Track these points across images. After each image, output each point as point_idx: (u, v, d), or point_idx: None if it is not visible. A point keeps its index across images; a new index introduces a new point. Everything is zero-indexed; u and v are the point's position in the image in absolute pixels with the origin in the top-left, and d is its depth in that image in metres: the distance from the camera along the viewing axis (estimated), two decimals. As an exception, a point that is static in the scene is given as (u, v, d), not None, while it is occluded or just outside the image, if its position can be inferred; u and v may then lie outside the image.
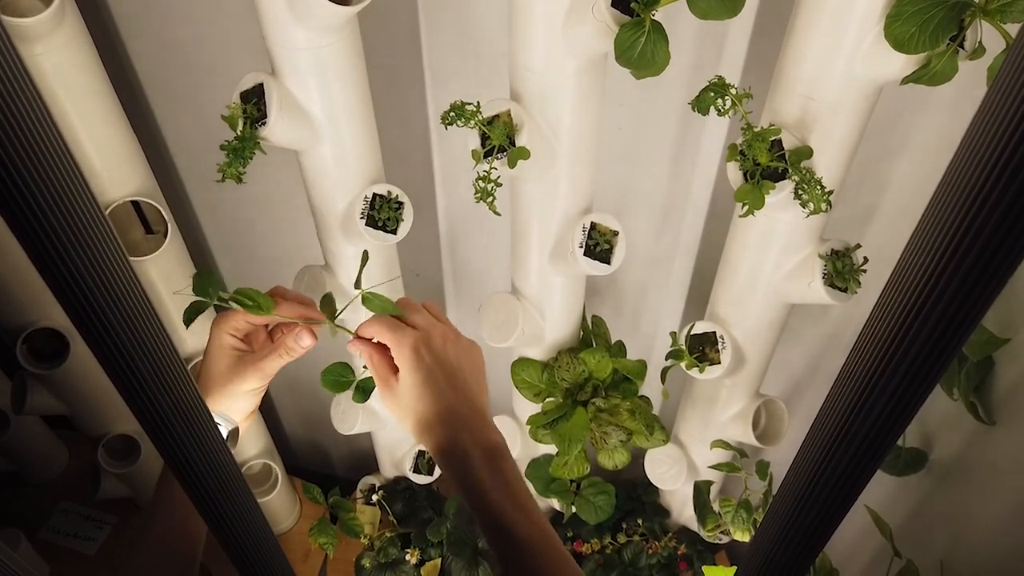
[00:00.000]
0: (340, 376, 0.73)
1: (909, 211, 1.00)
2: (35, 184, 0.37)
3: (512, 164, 0.81)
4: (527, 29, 0.77)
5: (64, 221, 0.40)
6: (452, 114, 0.78)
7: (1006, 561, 0.85)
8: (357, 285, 0.65)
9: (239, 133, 0.81)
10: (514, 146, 0.81)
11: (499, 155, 0.81)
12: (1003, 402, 0.88)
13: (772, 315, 1.01)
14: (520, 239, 1.01)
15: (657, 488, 1.45)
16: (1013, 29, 0.63)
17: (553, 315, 1.08)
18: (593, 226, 0.92)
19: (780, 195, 0.80)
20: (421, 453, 1.44)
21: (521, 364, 1.13)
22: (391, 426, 1.39)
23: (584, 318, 1.14)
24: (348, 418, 1.33)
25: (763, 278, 0.96)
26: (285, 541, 1.58)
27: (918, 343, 0.41)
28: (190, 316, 0.64)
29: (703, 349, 1.04)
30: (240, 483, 0.68)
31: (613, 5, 0.70)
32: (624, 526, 1.47)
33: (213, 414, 0.60)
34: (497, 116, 0.82)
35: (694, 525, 1.44)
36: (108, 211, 1.05)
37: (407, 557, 1.45)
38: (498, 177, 0.79)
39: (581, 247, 0.91)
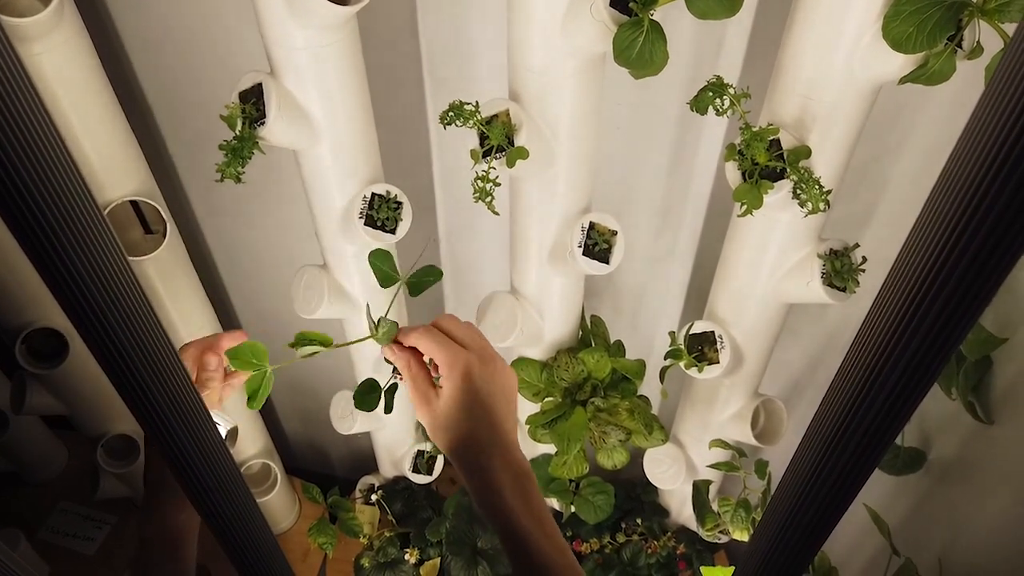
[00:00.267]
0: (372, 392, 0.70)
1: (908, 211, 1.00)
2: (34, 184, 0.37)
3: (511, 164, 0.81)
4: (525, 29, 0.77)
5: (63, 221, 0.40)
6: (451, 114, 0.78)
7: (1005, 560, 0.85)
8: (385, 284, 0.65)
9: (238, 133, 0.81)
10: (513, 146, 0.81)
11: (498, 155, 0.81)
12: (1001, 401, 0.88)
13: (771, 315, 1.01)
14: (519, 239, 1.01)
15: (656, 487, 1.45)
16: (1011, 29, 0.63)
17: (552, 315, 1.08)
18: (592, 226, 0.92)
19: (778, 195, 0.80)
20: (420, 453, 1.44)
21: (520, 364, 1.13)
22: (390, 426, 1.39)
23: (583, 318, 1.14)
24: (347, 418, 1.33)
25: (762, 278, 0.96)
26: (284, 541, 1.59)
27: (915, 342, 0.41)
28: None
29: (702, 349, 1.04)
30: (239, 482, 0.68)
31: (611, 5, 0.70)
32: (623, 526, 1.48)
33: (212, 414, 0.60)
34: (496, 116, 0.82)
35: (693, 524, 1.44)
36: (107, 211, 1.05)
37: (406, 557, 1.45)
38: (497, 177, 0.79)
39: (580, 247, 0.91)
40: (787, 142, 0.80)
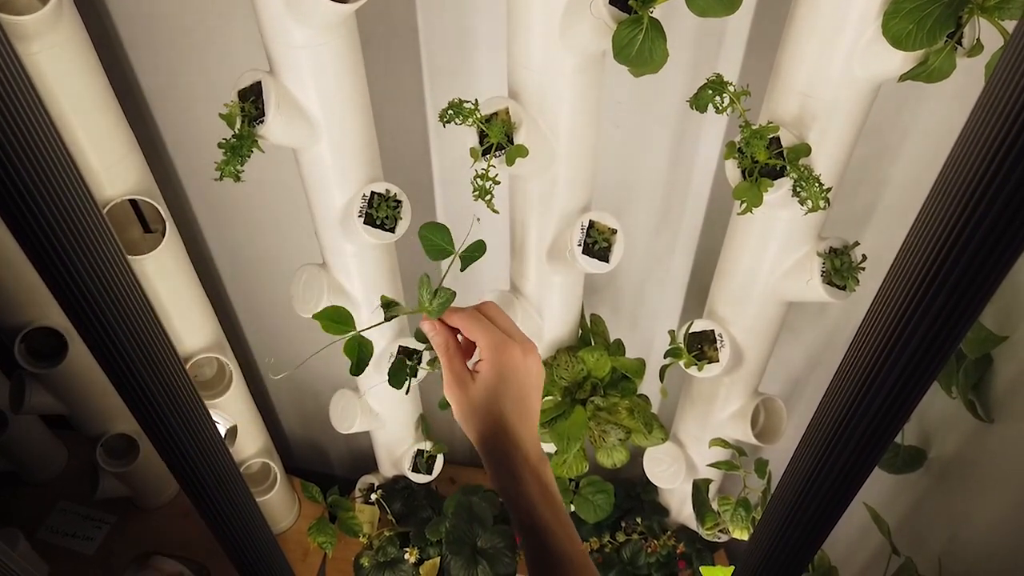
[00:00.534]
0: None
1: (908, 209, 0.99)
2: (33, 183, 0.37)
3: (510, 162, 0.81)
4: (525, 27, 0.77)
5: (62, 220, 0.40)
6: (450, 112, 0.78)
7: (1005, 558, 0.85)
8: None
9: (237, 131, 0.81)
10: (512, 144, 0.81)
11: (497, 153, 0.81)
12: (1001, 400, 0.88)
13: (771, 313, 1.01)
14: (518, 237, 1.01)
15: (656, 487, 1.45)
16: (1011, 27, 0.63)
17: (552, 314, 1.08)
18: (591, 224, 0.92)
19: (778, 193, 0.80)
20: (420, 452, 1.44)
21: (520, 362, 1.13)
22: (390, 425, 1.39)
23: (583, 316, 1.14)
24: (347, 417, 1.33)
25: (761, 276, 0.96)
26: (284, 540, 1.58)
27: (915, 340, 0.41)
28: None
29: (702, 347, 1.04)
30: (239, 481, 0.68)
31: (611, 2, 0.70)
32: (623, 525, 1.47)
33: (212, 413, 0.60)
34: (495, 114, 0.82)
35: (693, 524, 1.44)
36: (106, 210, 1.05)
37: (406, 556, 1.45)
38: (496, 175, 0.79)
39: (580, 245, 0.91)
40: (787, 140, 0.80)
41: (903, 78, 0.70)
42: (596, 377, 1.09)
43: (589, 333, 1.14)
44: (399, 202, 0.96)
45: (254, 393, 1.43)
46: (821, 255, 0.90)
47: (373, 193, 0.95)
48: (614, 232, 0.92)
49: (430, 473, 1.44)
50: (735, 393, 1.14)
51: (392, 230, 0.96)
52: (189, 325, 1.24)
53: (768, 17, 0.91)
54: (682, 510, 1.46)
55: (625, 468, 1.16)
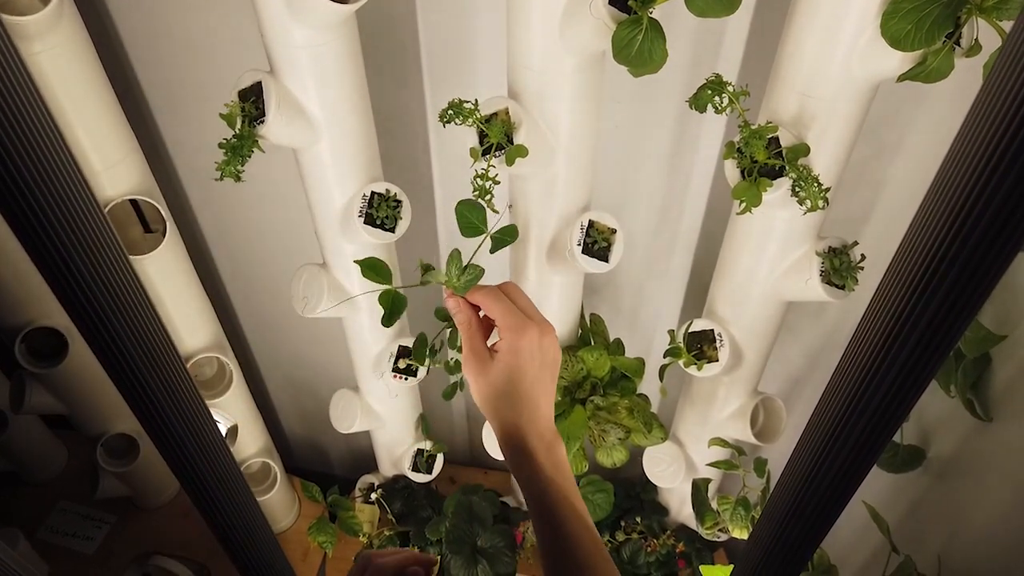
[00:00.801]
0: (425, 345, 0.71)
1: (907, 209, 0.99)
2: (35, 183, 0.37)
3: (510, 162, 0.81)
4: (525, 27, 0.77)
5: (64, 219, 0.40)
6: (450, 112, 0.78)
7: (1004, 556, 0.85)
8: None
9: (237, 131, 0.81)
10: (512, 144, 0.81)
11: (497, 153, 0.81)
12: (1000, 398, 0.88)
13: (770, 313, 1.01)
14: (518, 237, 1.01)
15: (655, 486, 1.45)
16: (1009, 27, 0.63)
17: (551, 313, 1.08)
18: (591, 224, 0.92)
19: (777, 192, 0.81)
20: (420, 452, 1.44)
21: (519, 362, 1.13)
22: (390, 425, 1.39)
23: (582, 316, 1.14)
24: (347, 416, 1.33)
25: (761, 276, 0.96)
26: (284, 540, 1.59)
27: (913, 339, 0.41)
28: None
29: (701, 347, 1.05)
30: (239, 480, 0.68)
31: (610, 3, 0.70)
32: (623, 524, 1.48)
33: (212, 412, 0.60)
34: (495, 114, 0.82)
35: (692, 523, 1.44)
36: (107, 210, 1.05)
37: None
38: (496, 175, 0.79)
39: (579, 245, 0.91)
40: (786, 140, 0.80)
41: (902, 78, 0.71)
42: (596, 376, 1.09)
43: (589, 332, 1.14)
44: (399, 202, 0.96)
45: (254, 393, 1.43)
46: (820, 255, 0.90)
47: (373, 193, 0.95)
48: (614, 232, 0.93)
49: (430, 473, 1.44)
50: (734, 393, 1.14)
51: (392, 230, 0.96)
52: (189, 325, 1.25)
53: (767, 17, 0.91)
54: (682, 509, 1.46)
55: (625, 467, 1.16)
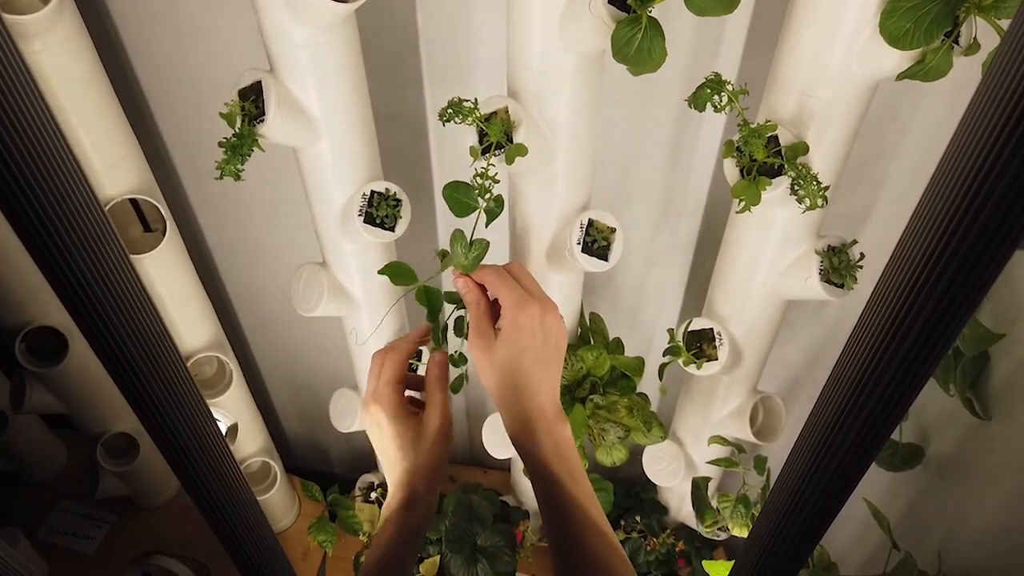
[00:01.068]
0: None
1: (906, 207, 1.00)
2: (36, 181, 0.37)
3: (510, 161, 0.81)
4: (524, 26, 0.77)
5: (65, 218, 0.40)
6: (450, 111, 0.78)
7: (1004, 553, 0.86)
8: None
9: (237, 130, 0.81)
10: (512, 143, 0.81)
11: (497, 152, 0.81)
12: (999, 397, 0.88)
13: (769, 311, 1.01)
14: (518, 236, 1.01)
15: (655, 485, 1.45)
16: (1007, 25, 0.63)
17: (551, 312, 1.08)
18: (591, 223, 0.92)
19: (776, 191, 0.81)
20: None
21: (519, 361, 1.13)
22: (390, 424, 1.39)
23: (582, 315, 1.15)
24: (346, 416, 1.33)
25: (760, 274, 0.96)
26: (284, 539, 1.59)
27: (911, 337, 0.41)
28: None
29: (700, 345, 1.05)
30: (240, 479, 0.68)
31: (610, 2, 0.70)
32: (622, 523, 1.48)
33: (212, 410, 0.60)
34: (495, 113, 0.82)
35: (692, 522, 1.44)
36: (106, 209, 1.05)
37: None
38: (496, 174, 0.79)
39: (579, 244, 0.91)
40: (785, 138, 0.80)
41: (900, 77, 0.71)
42: (595, 375, 1.09)
43: (588, 331, 1.14)
44: (399, 201, 0.96)
45: (254, 392, 1.43)
46: (819, 253, 0.91)
47: (373, 192, 0.95)
48: (613, 231, 0.93)
49: (430, 472, 1.44)
50: (734, 391, 1.14)
51: (392, 229, 0.96)
52: (189, 324, 1.25)
53: (766, 16, 0.91)
54: (681, 508, 1.46)
55: (624, 466, 1.16)
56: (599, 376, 1.09)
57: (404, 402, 0.68)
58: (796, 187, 0.80)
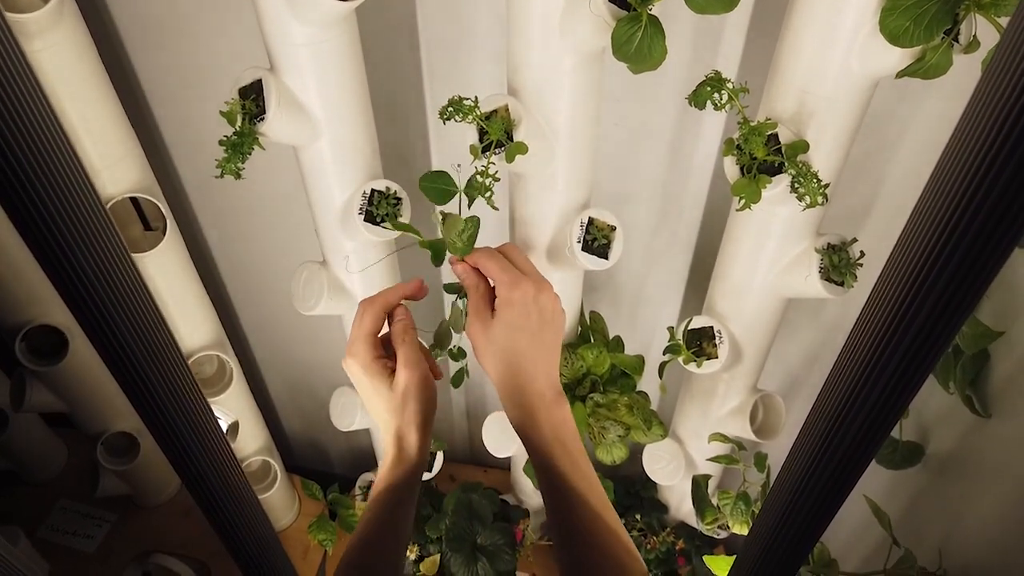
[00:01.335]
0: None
1: (906, 205, 0.99)
2: (38, 179, 0.38)
3: (510, 159, 0.81)
4: (524, 24, 0.77)
5: (66, 216, 0.40)
6: (450, 109, 0.78)
7: (1003, 550, 0.86)
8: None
9: (237, 129, 0.81)
10: (512, 141, 0.81)
11: (497, 150, 0.81)
12: (999, 395, 0.88)
13: (769, 309, 1.01)
14: (518, 235, 1.01)
15: (655, 483, 1.45)
16: (1007, 23, 0.63)
17: (551, 310, 1.08)
18: (591, 221, 0.92)
19: (776, 189, 0.81)
20: (420, 449, 1.44)
21: (519, 359, 1.13)
22: (390, 422, 1.39)
23: (582, 313, 1.15)
24: (347, 414, 1.33)
25: (760, 272, 0.96)
26: (284, 538, 1.59)
27: (911, 334, 0.41)
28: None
29: (701, 344, 1.05)
30: (240, 477, 0.68)
31: (610, 0, 0.70)
32: (622, 521, 1.48)
33: (214, 409, 0.60)
34: (495, 111, 0.82)
35: (692, 520, 1.44)
36: (107, 207, 1.05)
37: (406, 553, 1.45)
38: (496, 172, 0.79)
39: (579, 242, 0.91)
40: (785, 136, 0.80)
41: (900, 74, 0.71)
42: (595, 374, 1.09)
43: (588, 330, 1.14)
44: (399, 199, 0.96)
45: (254, 391, 1.43)
46: (819, 251, 0.91)
47: (373, 190, 0.95)
48: (613, 229, 0.93)
49: (430, 471, 1.44)
50: (734, 389, 1.14)
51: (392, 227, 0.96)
52: (189, 323, 1.25)
53: (766, 14, 0.91)
54: (681, 506, 1.46)
55: (624, 465, 1.16)
56: (599, 374, 1.09)
57: (378, 355, 0.67)
58: (796, 185, 0.80)
